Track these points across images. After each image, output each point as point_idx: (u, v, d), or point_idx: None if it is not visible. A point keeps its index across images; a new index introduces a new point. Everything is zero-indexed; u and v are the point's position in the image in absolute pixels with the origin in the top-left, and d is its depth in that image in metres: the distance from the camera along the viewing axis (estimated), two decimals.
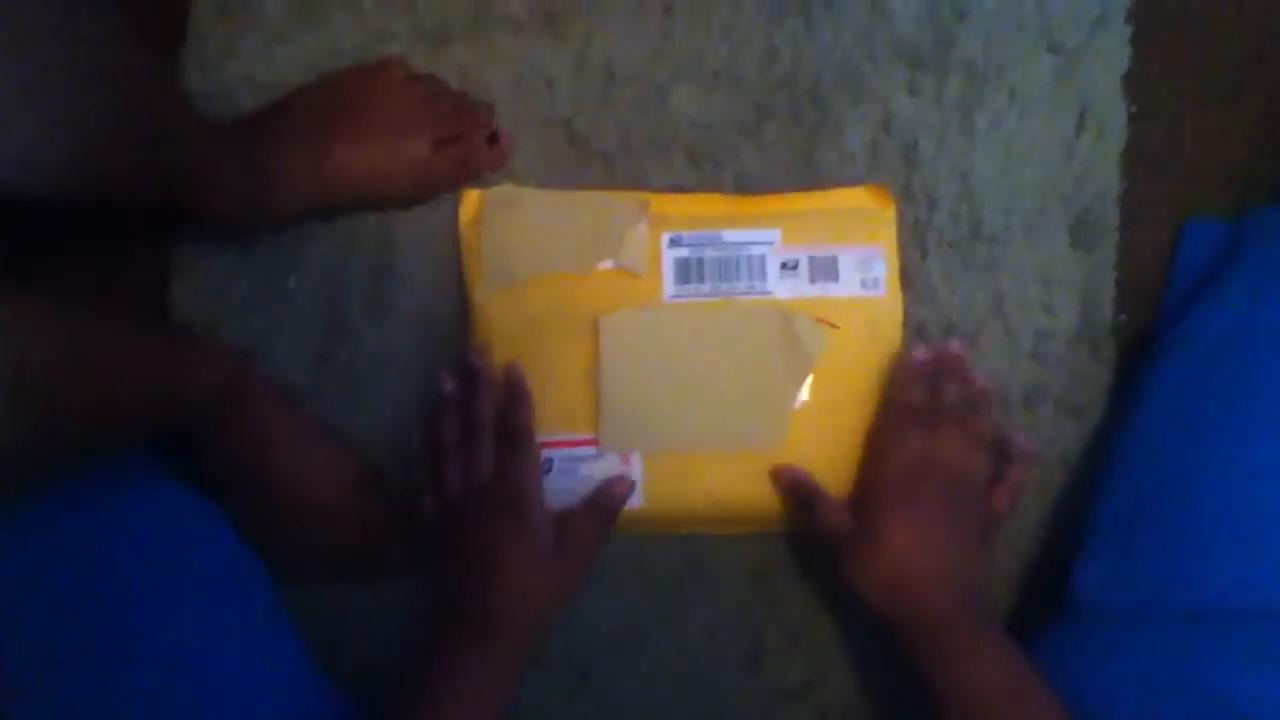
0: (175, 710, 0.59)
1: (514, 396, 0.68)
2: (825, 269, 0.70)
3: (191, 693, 0.59)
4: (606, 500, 0.68)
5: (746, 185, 0.73)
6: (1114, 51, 0.73)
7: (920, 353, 0.68)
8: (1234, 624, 0.60)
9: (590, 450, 0.68)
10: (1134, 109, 0.74)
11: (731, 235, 0.70)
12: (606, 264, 0.70)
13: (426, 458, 0.68)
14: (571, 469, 0.68)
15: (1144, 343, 0.72)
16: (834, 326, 0.69)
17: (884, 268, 0.70)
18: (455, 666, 0.62)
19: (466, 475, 0.66)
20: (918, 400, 0.67)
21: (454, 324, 0.73)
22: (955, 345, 0.69)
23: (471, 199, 0.73)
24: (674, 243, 0.70)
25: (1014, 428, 0.69)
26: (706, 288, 0.70)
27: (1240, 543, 0.61)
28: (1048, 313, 0.73)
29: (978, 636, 0.61)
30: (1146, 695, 0.60)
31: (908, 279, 0.72)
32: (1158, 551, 0.64)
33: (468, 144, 0.72)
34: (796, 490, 0.68)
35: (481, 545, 0.64)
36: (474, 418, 0.67)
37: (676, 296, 0.70)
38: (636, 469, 0.68)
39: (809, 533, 0.67)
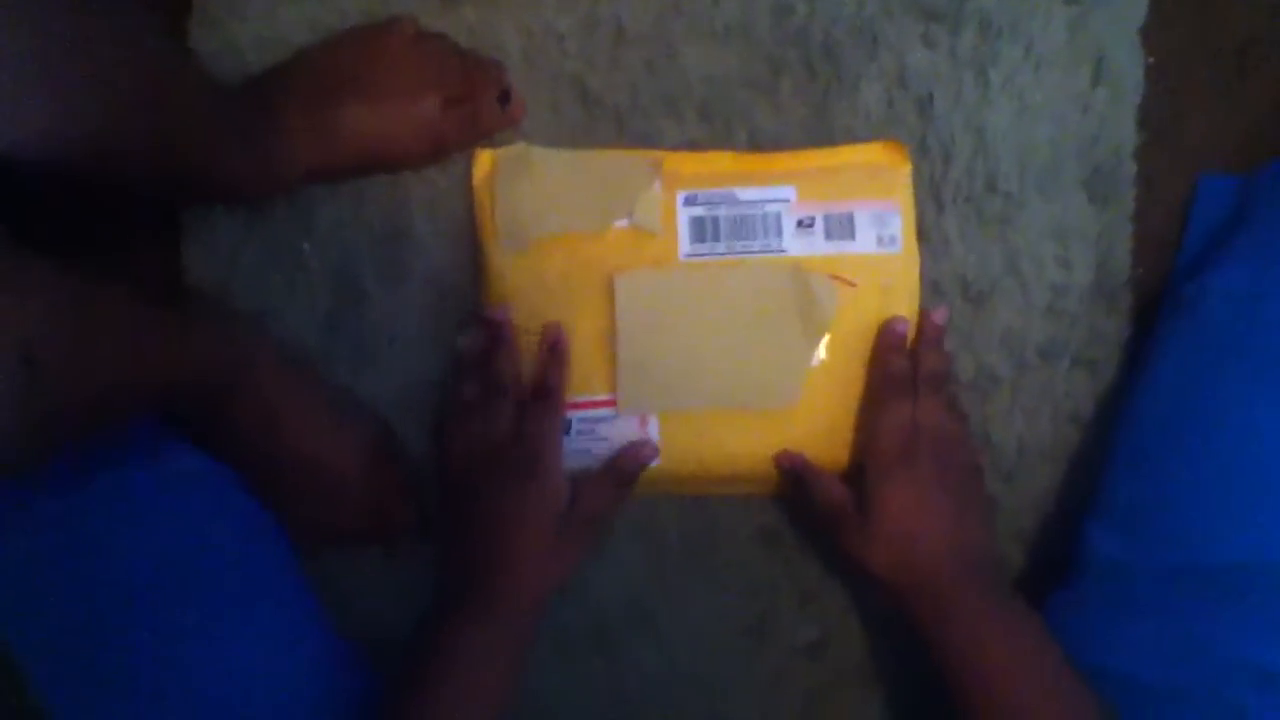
0: (195, 678, 0.59)
1: (553, 354, 0.67)
2: (841, 226, 0.69)
3: (210, 661, 0.60)
4: (627, 464, 0.67)
5: (760, 142, 0.72)
6: (1130, 3, 0.72)
7: (901, 324, 0.68)
8: (1249, 583, 0.60)
9: (608, 412, 0.68)
10: (1151, 62, 0.73)
11: (746, 193, 0.70)
12: (621, 223, 0.69)
13: (441, 418, 0.67)
14: (589, 430, 0.68)
15: (1161, 298, 0.71)
16: (850, 284, 0.69)
17: (900, 224, 0.70)
18: (457, 648, 0.61)
19: (484, 434, 0.65)
20: (899, 370, 0.67)
21: (467, 286, 0.72)
22: (939, 316, 0.69)
23: (484, 159, 0.72)
24: (689, 201, 0.70)
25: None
26: (722, 246, 0.69)
27: (1252, 499, 0.61)
28: (1064, 267, 0.72)
29: (987, 601, 0.61)
30: (1161, 656, 0.61)
31: (923, 235, 0.71)
32: (1170, 509, 0.64)
33: (478, 103, 0.71)
34: (793, 471, 0.68)
35: (493, 508, 0.64)
36: (496, 373, 0.67)
37: (692, 255, 0.69)
38: (653, 428, 0.68)
39: (811, 514, 0.68)
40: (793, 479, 0.68)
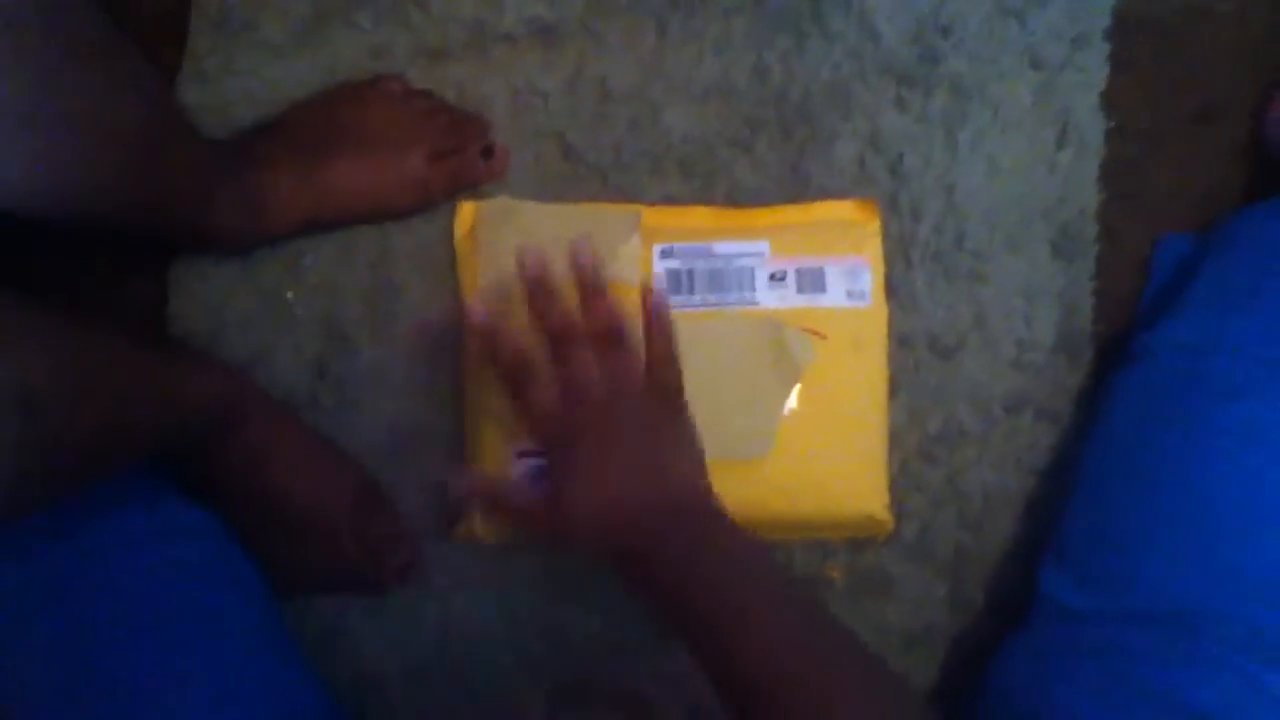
0: None
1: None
2: (813, 280, 0.72)
3: (197, 709, 0.60)
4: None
5: (738, 198, 0.75)
6: (1093, 69, 0.75)
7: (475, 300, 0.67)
8: (1194, 627, 0.62)
9: None
10: (1112, 125, 0.76)
11: (721, 247, 0.72)
12: None
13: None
14: None
15: (1119, 351, 0.74)
16: (821, 336, 0.71)
17: (870, 279, 0.72)
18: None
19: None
20: (509, 355, 0.63)
21: (451, 334, 0.74)
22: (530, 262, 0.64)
23: (467, 211, 0.74)
24: (665, 254, 0.72)
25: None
26: (697, 298, 0.71)
27: (1190, 548, 0.63)
28: (1028, 323, 0.75)
29: (694, 541, 0.57)
30: (1108, 698, 0.62)
31: (893, 290, 0.74)
32: (1117, 555, 0.66)
33: (463, 157, 0.73)
34: (483, 497, 0.67)
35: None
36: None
37: None
38: None
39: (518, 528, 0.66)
40: (486, 505, 0.68)
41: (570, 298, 0.63)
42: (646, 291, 0.63)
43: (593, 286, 0.63)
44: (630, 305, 0.70)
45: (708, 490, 0.63)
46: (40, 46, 0.50)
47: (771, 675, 0.51)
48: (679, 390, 0.63)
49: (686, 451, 0.63)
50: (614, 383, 0.62)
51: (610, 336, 0.62)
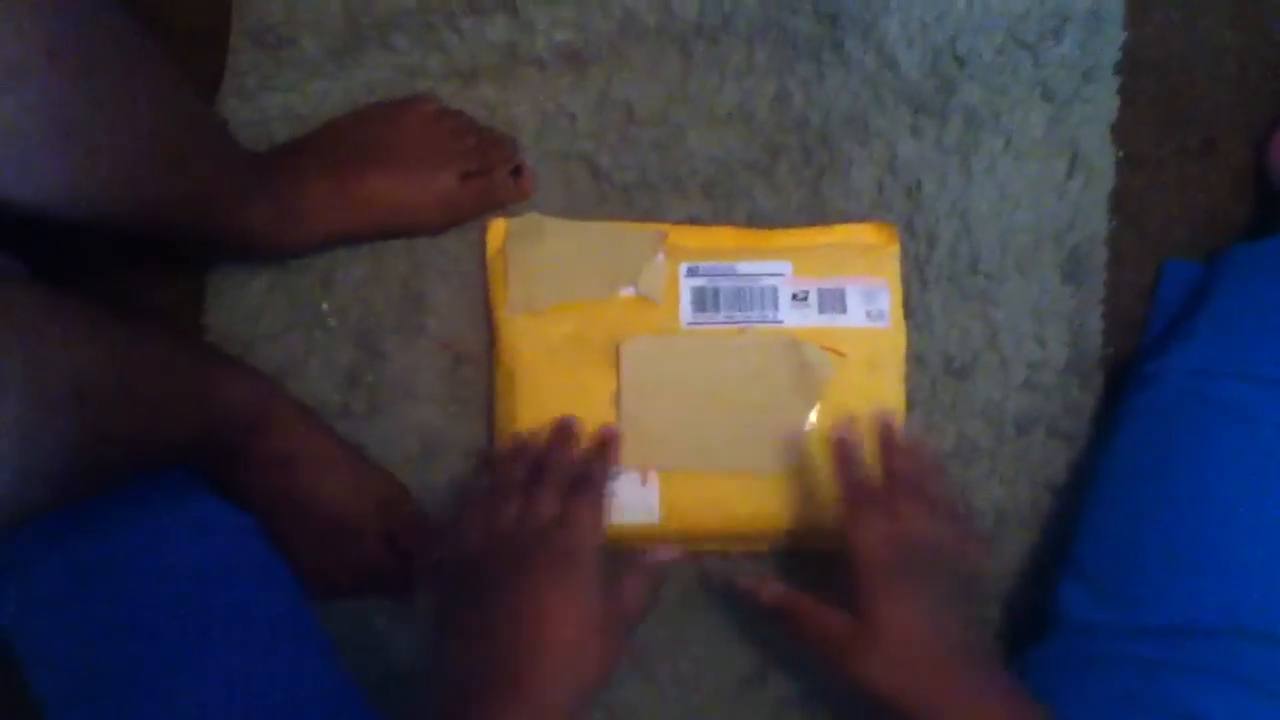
0: None
1: (602, 449, 0.69)
2: (833, 300, 0.74)
3: (230, 704, 0.61)
4: (657, 565, 0.66)
5: (759, 220, 0.77)
6: (1103, 101, 0.78)
7: (845, 431, 0.67)
8: (1205, 641, 0.64)
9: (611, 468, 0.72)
10: (1121, 155, 0.78)
11: (745, 267, 0.74)
12: (627, 292, 0.74)
13: (471, 494, 0.68)
14: None
15: (1129, 374, 0.76)
16: (841, 355, 0.73)
17: (888, 300, 0.74)
18: None
19: (524, 517, 0.63)
20: (862, 480, 0.65)
21: (481, 347, 0.76)
22: (890, 422, 0.70)
23: (498, 228, 0.76)
24: (691, 273, 0.74)
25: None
26: (721, 316, 0.73)
27: (1206, 565, 0.66)
28: (1040, 345, 0.77)
29: (989, 696, 0.59)
30: (1126, 711, 0.64)
31: (909, 310, 0.76)
32: (1133, 572, 0.68)
33: (492, 177, 0.75)
34: (780, 605, 0.65)
35: (527, 598, 0.58)
36: (554, 460, 0.67)
37: (693, 324, 0.73)
38: (654, 486, 0.72)
39: (803, 642, 0.64)
40: (782, 616, 0.65)
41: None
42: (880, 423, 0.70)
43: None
44: (656, 319, 0.73)
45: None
46: (81, 62, 0.51)
47: None
48: None
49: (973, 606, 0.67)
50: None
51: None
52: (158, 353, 0.62)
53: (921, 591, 0.60)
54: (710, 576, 0.75)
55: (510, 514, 0.63)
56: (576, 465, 0.68)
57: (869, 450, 0.68)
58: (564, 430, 0.70)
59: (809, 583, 0.74)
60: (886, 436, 0.70)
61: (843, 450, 0.67)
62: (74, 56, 0.50)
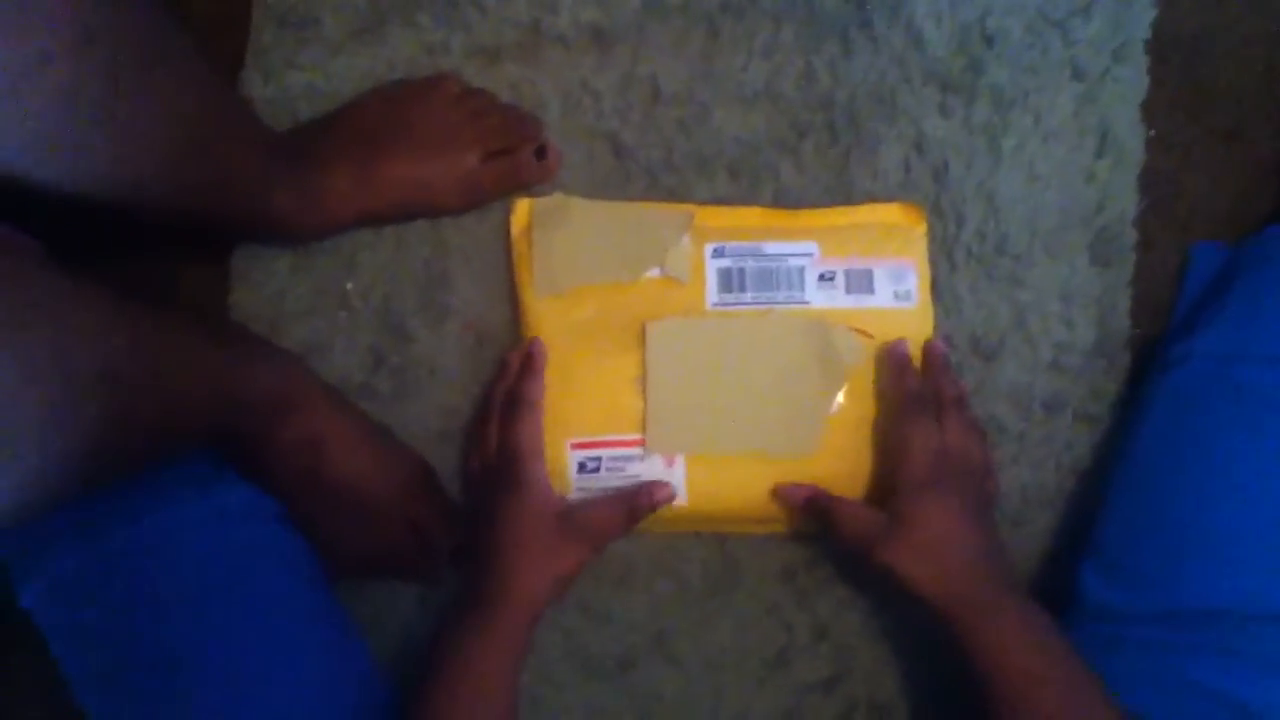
0: (237, 701, 0.61)
1: (525, 368, 0.72)
2: (861, 281, 0.73)
3: (256, 687, 0.62)
4: (643, 499, 0.69)
5: (784, 200, 0.77)
6: (1133, 80, 0.77)
7: (901, 345, 0.72)
8: (1230, 625, 0.64)
9: (637, 450, 0.71)
10: (1151, 135, 0.78)
11: (771, 247, 0.74)
12: (652, 273, 0.73)
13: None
14: (619, 468, 0.71)
15: (1155, 356, 0.75)
16: (869, 336, 0.73)
17: (916, 281, 0.74)
18: (457, 644, 0.64)
19: (480, 454, 0.72)
20: (918, 388, 0.70)
21: (505, 328, 0.76)
22: (940, 344, 0.74)
23: (522, 208, 0.76)
24: (717, 253, 0.74)
25: None
26: (748, 297, 0.73)
27: (1234, 551, 0.66)
28: (1067, 326, 0.76)
29: (1026, 614, 0.63)
30: (1147, 692, 0.64)
31: (936, 292, 0.76)
32: (1155, 556, 0.68)
33: (516, 157, 0.75)
34: (813, 504, 0.70)
35: (486, 518, 0.68)
36: (492, 395, 0.72)
37: (719, 305, 0.73)
38: (680, 469, 0.72)
39: (841, 539, 0.68)
40: (818, 514, 0.70)
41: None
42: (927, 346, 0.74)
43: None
44: (681, 300, 0.72)
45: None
46: (112, 46, 0.51)
47: None
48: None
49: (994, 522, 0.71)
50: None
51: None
52: (182, 337, 0.61)
53: (953, 497, 0.66)
54: (734, 559, 0.75)
55: (476, 455, 0.72)
56: (511, 391, 0.71)
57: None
58: (502, 365, 0.74)
59: (835, 564, 0.75)
60: (935, 358, 0.73)
61: (896, 359, 0.72)
62: (105, 41, 0.51)
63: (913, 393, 0.70)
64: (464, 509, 0.74)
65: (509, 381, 0.72)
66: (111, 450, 0.53)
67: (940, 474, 0.66)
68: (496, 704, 0.63)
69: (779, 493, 0.71)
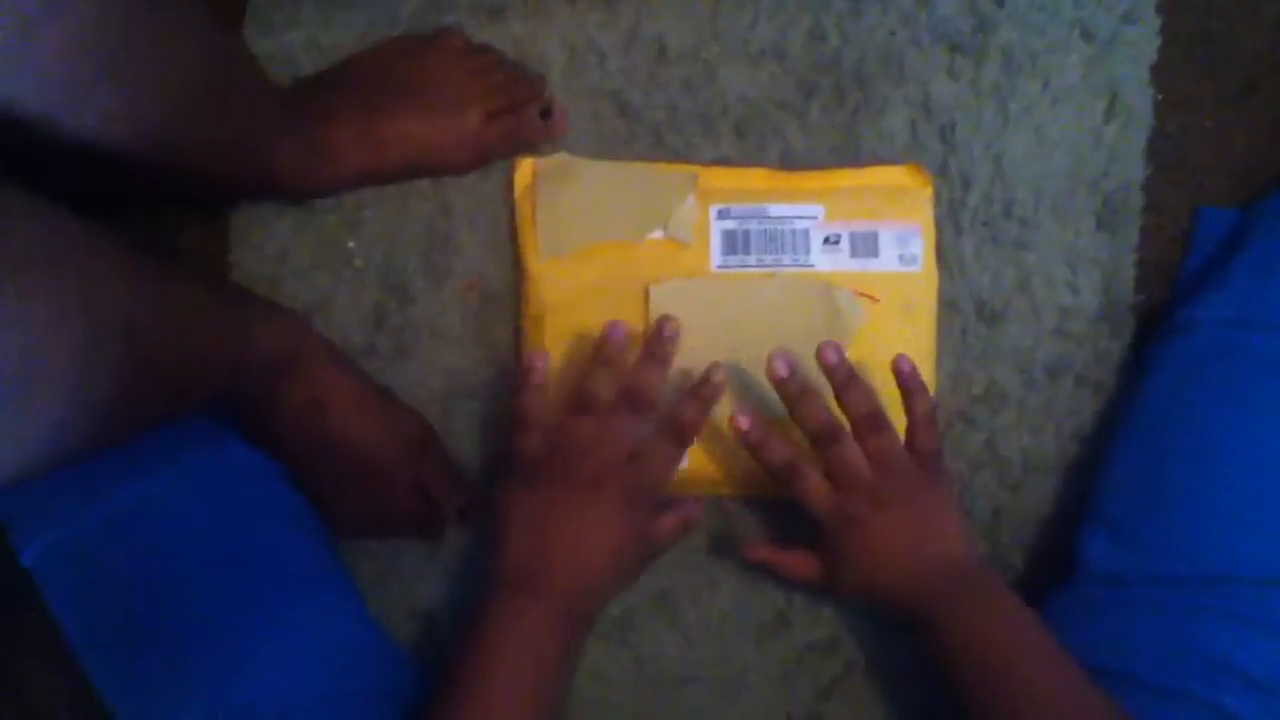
0: (244, 663, 0.61)
1: (701, 395, 0.67)
2: (866, 244, 0.73)
3: (258, 645, 0.62)
4: (692, 514, 0.68)
5: (790, 161, 0.76)
6: (1143, 42, 0.77)
7: (780, 362, 0.67)
8: (1231, 589, 0.64)
9: None
10: (1160, 98, 0.77)
11: (777, 209, 0.73)
12: (656, 234, 0.73)
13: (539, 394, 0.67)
14: None
15: (1160, 322, 0.75)
16: (873, 299, 0.73)
17: (921, 244, 0.74)
18: (517, 632, 0.61)
19: (605, 440, 0.65)
20: (774, 464, 0.67)
21: (508, 289, 0.75)
22: (829, 355, 0.67)
23: (525, 168, 0.75)
24: (722, 215, 0.73)
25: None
26: (752, 259, 0.73)
27: (1233, 516, 0.66)
28: (1072, 291, 0.76)
29: (977, 605, 0.63)
30: (1154, 657, 0.64)
31: (941, 255, 0.75)
32: (1158, 520, 0.68)
33: (521, 116, 0.74)
34: (763, 561, 0.70)
35: (592, 520, 0.64)
36: (643, 388, 0.67)
37: (724, 267, 0.73)
38: None
39: (795, 584, 0.71)
40: (767, 568, 0.70)
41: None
42: (900, 360, 0.67)
43: (846, 376, 0.67)
44: (686, 261, 0.72)
45: (972, 544, 0.67)
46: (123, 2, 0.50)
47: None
48: (938, 453, 0.67)
49: (950, 512, 0.67)
50: (882, 464, 0.65)
51: (871, 422, 0.66)
52: (193, 293, 0.62)
53: (876, 541, 0.65)
54: (735, 522, 0.76)
55: (588, 430, 0.65)
56: (670, 405, 0.67)
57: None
58: (655, 353, 0.68)
59: None
60: (840, 375, 0.67)
61: (791, 389, 0.67)
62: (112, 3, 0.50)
63: (811, 427, 0.67)
64: (529, 459, 0.66)
65: (660, 377, 0.68)
66: (131, 402, 0.53)
67: (850, 504, 0.65)
68: (549, 691, 0.62)
69: (751, 425, 0.67)
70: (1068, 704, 0.60)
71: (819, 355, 0.66)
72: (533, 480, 0.65)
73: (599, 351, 0.68)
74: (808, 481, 0.66)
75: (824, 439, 0.66)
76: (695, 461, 0.72)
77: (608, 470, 0.64)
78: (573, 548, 0.63)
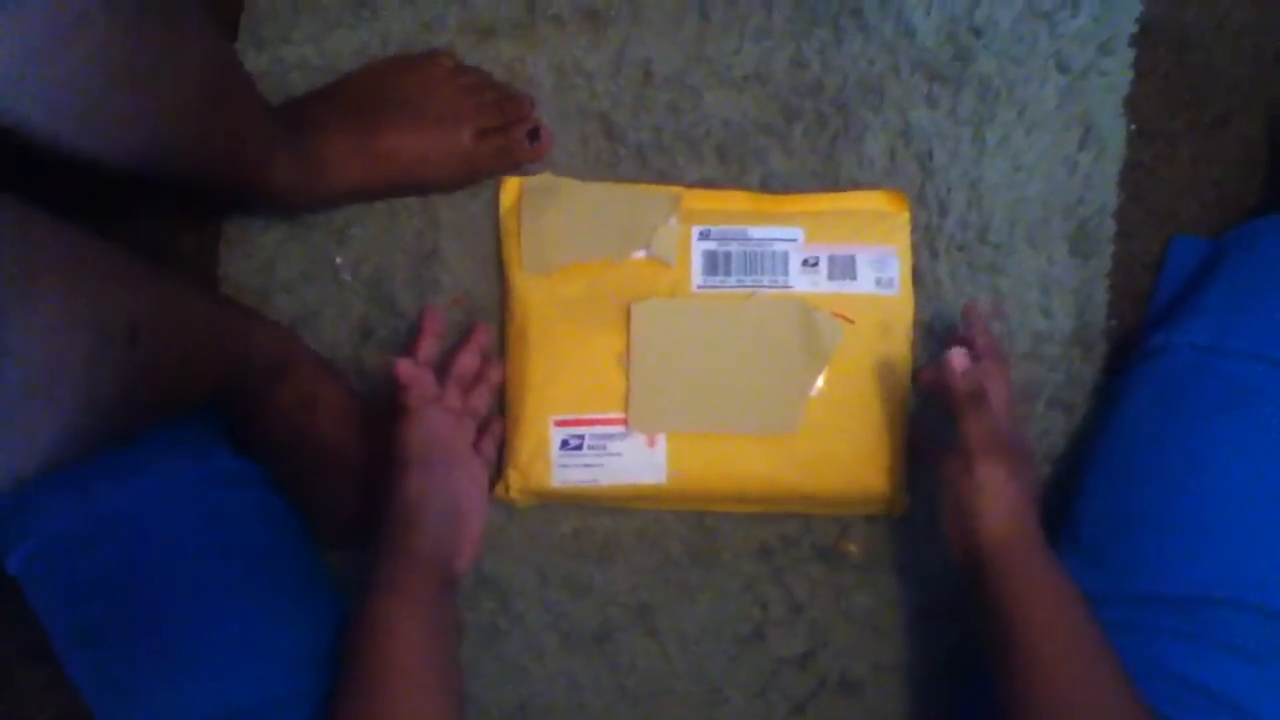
0: (225, 667, 0.63)
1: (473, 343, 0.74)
2: (843, 267, 0.75)
3: (240, 648, 0.63)
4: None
5: (771, 184, 0.78)
6: (1118, 74, 0.78)
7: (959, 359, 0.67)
8: (1198, 611, 0.65)
9: (620, 429, 0.73)
10: (1133, 129, 0.79)
11: (757, 232, 0.75)
12: (639, 254, 0.74)
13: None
14: (601, 445, 0.73)
15: (1132, 347, 0.77)
16: (849, 321, 0.74)
17: (898, 268, 0.75)
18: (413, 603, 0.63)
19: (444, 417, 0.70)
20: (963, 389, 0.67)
21: (493, 303, 0.77)
22: (981, 306, 0.74)
23: (512, 186, 0.76)
24: (703, 236, 0.75)
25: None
26: (733, 280, 0.74)
27: (1206, 539, 0.67)
28: (1045, 315, 0.78)
29: (1041, 561, 0.64)
30: None
31: (917, 278, 0.77)
32: (1130, 541, 0.69)
33: (509, 135, 0.76)
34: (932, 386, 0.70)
35: (449, 487, 0.68)
36: (457, 364, 0.73)
37: (704, 287, 0.74)
38: (661, 448, 0.73)
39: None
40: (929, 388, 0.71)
41: None
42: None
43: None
44: (667, 281, 0.73)
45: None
46: (136, 11, 0.51)
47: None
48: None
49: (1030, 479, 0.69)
50: (1008, 409, 0.68)
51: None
52: (192, 299, 0.63)
53: (1007, 469, 0.65)
54: (714, 536, 0.77)
55: (432, 416, 0.69)
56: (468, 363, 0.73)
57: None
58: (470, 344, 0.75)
59: (814, 545, 0.76)
60: (978, 320, 0.72)
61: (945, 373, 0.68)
62: (130, 5, 0.51)
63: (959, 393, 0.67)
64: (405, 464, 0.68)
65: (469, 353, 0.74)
66: (134, 404, 0.54)
67: (992, 452, 0.66)
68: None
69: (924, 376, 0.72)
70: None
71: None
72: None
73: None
74: (984, 417, 0.66)
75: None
76: (676, 478, 0.73)
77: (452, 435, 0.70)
78: (452, 524, 0.68)
